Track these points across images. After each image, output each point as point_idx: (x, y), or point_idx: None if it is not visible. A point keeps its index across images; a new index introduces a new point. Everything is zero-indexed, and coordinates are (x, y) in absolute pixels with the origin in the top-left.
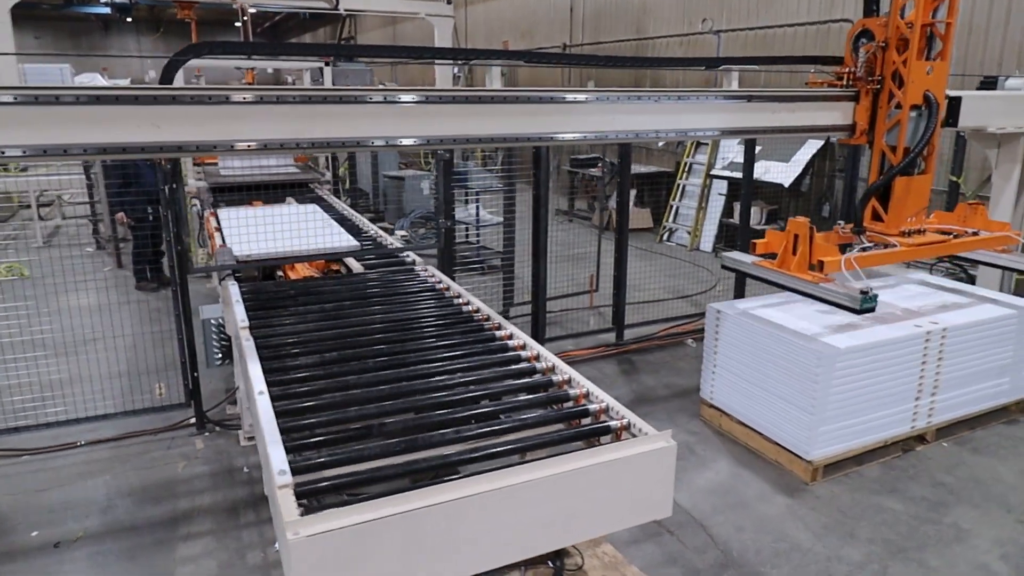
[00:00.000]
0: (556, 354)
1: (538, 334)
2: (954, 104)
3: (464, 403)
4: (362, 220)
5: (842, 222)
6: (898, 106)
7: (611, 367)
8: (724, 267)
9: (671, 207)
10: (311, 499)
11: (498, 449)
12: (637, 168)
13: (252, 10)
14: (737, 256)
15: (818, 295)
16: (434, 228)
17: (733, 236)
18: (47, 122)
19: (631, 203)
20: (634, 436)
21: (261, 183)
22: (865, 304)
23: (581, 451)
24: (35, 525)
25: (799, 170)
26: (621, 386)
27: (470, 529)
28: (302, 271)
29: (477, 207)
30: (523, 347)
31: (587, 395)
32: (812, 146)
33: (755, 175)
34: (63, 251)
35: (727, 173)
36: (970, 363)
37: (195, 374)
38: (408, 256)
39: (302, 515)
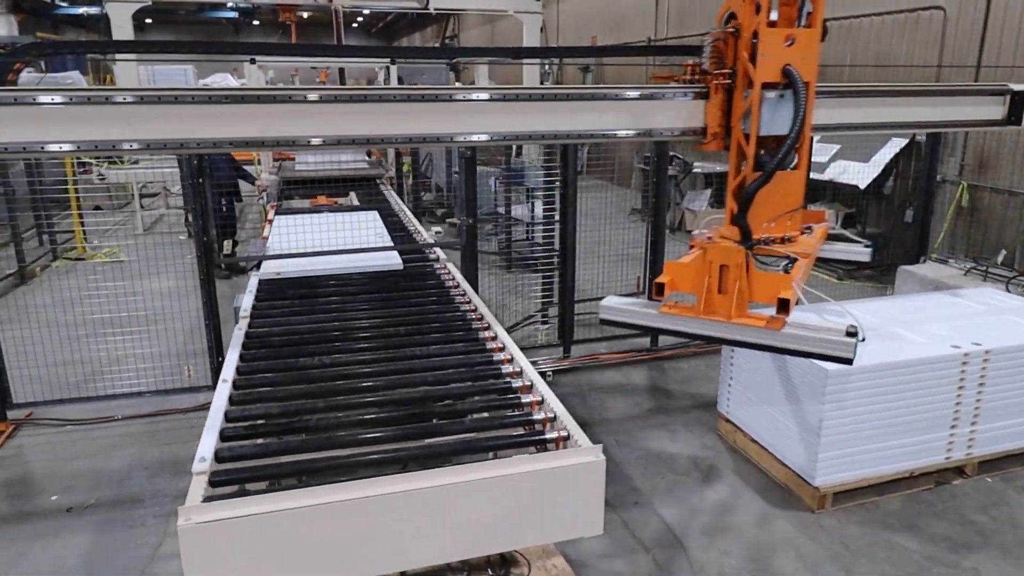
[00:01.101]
0: (585, 356)
1: (565, 334)
2: (1018, 100)
3: (415, 402)
4: (407, 216)
5: (707, 231)
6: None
7: (639, 373)
8: (603, 321)
9: None
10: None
11: (425, 452)
12: (714, 167)
13: (367, 12)
14: (622, 305)
15: (787, 348)
16: (496, 225)
17: None
18: (164, 119)
19: (706, 204)
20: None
21: (329, 178)
22: (856, 350)
23: (502, 459)
24: (57, 490)
25: (878, 171)
26: (642, 393)
27: (374, 528)
28: None
29: (532, 204)
30: (501, 349)
31: (541, 403)
32: (895, 145)
33: (830, 176)
34: (158, 238)
35: None
36: (1021, 390)
37: (220, 358)
38: (434, 253)
39: (203, 502)
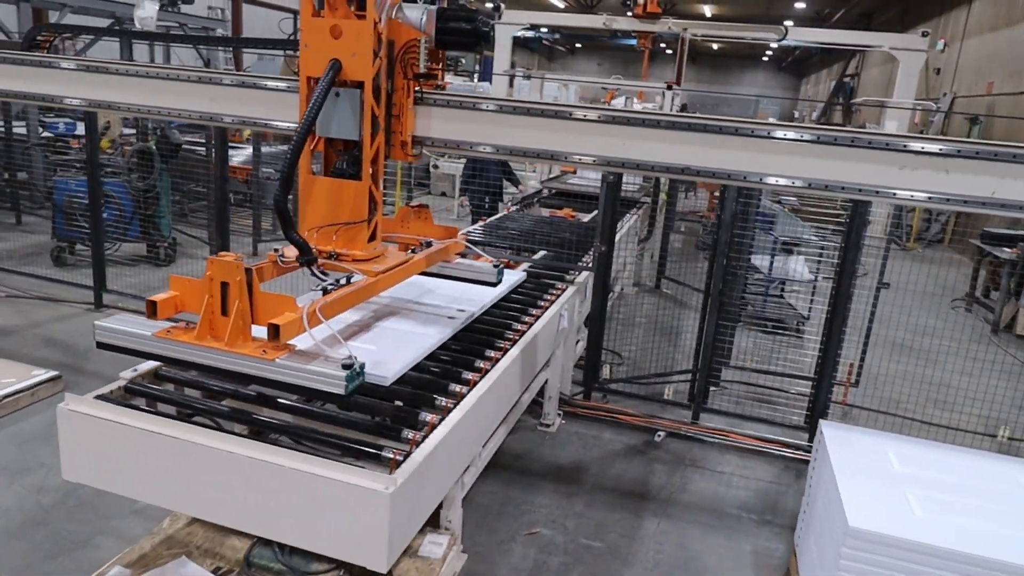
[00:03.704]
0: (712, 429)
1: (695, 398)
2: None
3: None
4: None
5: (278, 248)
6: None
7: (767, 469)
8: (100, 344)
9: None
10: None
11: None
12: None
13: (773, 46)
14: (123, 326)
15: (278, 379)
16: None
17: None
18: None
19: None
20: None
21: (587, 194)
22: (352, 383)
23: (301, 454)
24: None
25: None
26: (744, 490)
27: (193, 473)
28: None
29: (772, 257)
30: (485, 372)
31: (437, 426)
32: None
33: None
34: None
35: None
36: None
37: None
38: (574, 275)
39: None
